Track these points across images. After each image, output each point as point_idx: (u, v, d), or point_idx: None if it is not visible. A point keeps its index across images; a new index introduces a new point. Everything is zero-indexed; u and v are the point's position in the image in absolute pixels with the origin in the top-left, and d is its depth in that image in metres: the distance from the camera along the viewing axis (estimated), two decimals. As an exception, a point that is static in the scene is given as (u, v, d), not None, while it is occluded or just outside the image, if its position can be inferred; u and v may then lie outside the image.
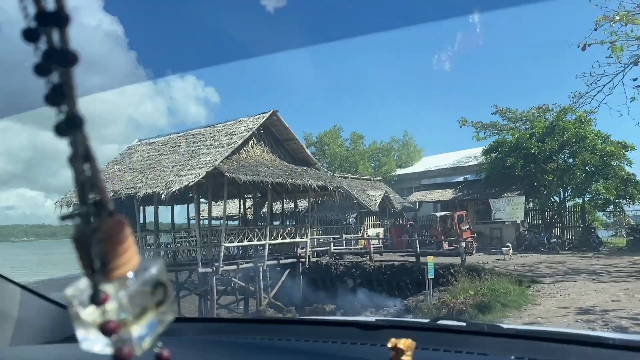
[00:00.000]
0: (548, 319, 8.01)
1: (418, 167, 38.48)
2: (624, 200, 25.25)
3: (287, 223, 24.54)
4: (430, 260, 11.86)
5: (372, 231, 28.58)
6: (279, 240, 18.41)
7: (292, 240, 18.98)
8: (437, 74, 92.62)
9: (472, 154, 33.74)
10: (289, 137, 19.31)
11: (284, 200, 23.02)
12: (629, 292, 10.46)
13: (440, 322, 1.89)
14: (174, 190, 15.49)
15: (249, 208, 24.81)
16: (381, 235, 28.36)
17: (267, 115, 18.10)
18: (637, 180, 24.49)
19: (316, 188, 18.32)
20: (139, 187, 17.03)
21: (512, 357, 1.50)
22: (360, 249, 23.93)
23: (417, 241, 18.66)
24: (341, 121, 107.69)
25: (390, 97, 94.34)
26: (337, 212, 28.54)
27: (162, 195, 15.86)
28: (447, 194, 28.72)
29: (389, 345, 1.02)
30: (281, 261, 18.87)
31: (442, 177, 32.21)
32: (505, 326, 1.78)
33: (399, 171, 38.79)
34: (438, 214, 25.30)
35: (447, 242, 23.99)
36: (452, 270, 16.23)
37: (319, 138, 42.02)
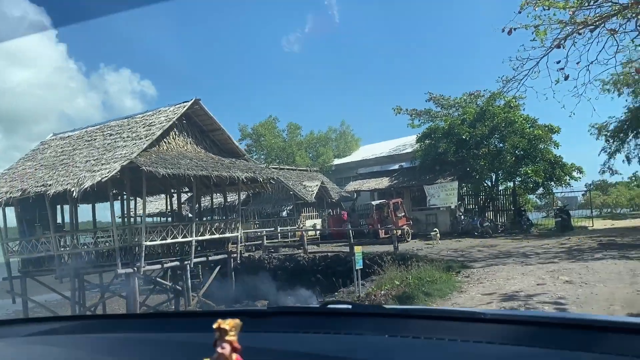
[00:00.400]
0: (471, 307, 7.66)
1: (356, 156, 38.28)
2: (552, 182, 25.91)
3: (223, 217, 23.55)
4: (358, 250, 11.35)
5: (309, 222, 28.04)
6: (207, 237, 17.44)
7: (221, 235, 18.06)
8: (373, 62, 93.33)
9: (408, 142, 33.84)
10: (214, 127, 18.29)
11: (217, 195, 22.05)
12: (554, 273, 10.38)
13: (329, 306, 1.92)
14: (86, 186, 14.24)
15: (183, 203, 23.64)
16: (319, 226, 27.89)
17: (188, 104, 17.02)
18: (563, 162, 25.16)
19: (245, 180, 17.48)
20: (50, 185, 15.63)
21: (386, 335, 1.55)
22: (296, 241, 23.35)
23: (352, 231, 18.22)
24: (278, 112, 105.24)
25: (328, 87, 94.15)
26: (274, 204, 27.84)
27: (74, 193, 14.56)
28: (384, 182, 28.62)
29: (214, 326, 1.03)
30: (211, 258, 17.96)
31: (379, 165, 32.13)
32: (387, 307, 1.86)
33: (336, 161, 38.44)
34: (374, 203, 25.09)
35: (383, 230, 23.82)
36: (385, 259, 15.93)
37: (255, 129, 40.96)
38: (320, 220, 28.92)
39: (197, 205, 19.83)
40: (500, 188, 28.35)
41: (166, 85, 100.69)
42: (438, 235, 21.09)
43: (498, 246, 18.61)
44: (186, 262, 16.68)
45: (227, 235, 18.30)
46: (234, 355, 1.04)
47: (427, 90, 34.79)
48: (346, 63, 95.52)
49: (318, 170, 33.31)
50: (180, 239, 16.36)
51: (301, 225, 27.34)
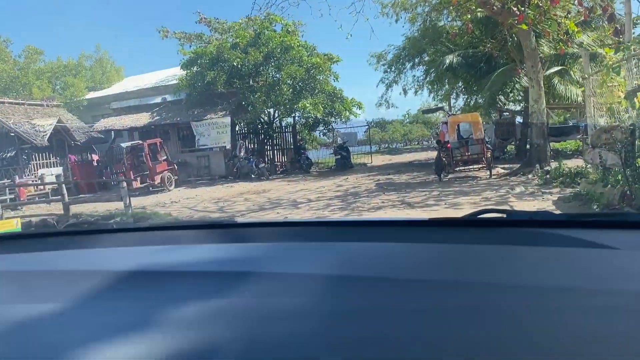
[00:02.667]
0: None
1: (115, 89, 31.61)
2: (332, 118, 24.01)
3: None
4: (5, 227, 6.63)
5: (45, 172, 21.61)
6: None
7: None
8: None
9: (178, 72, 28.72)
10: None
11: None
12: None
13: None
14: None
15: None
16: (60, 177, 21.69)
17: None
18: (343, 96, 23.19)
19: None
20: None
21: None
22: (12, 199, 17.30)
23: (65, 186, 13.17)
24: (10, 32, 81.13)
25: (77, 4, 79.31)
26: (-13, 150, 20.67)
27: None
28: (143, 119, 23.46)
29: None
30: None
31: (142, 99, 26.57)
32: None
33: (91, 94, 31.30)
34: (124, 145, 19.94)
35: (139, 179, 19.25)
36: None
37: (-28, 52, 31.09)
38: (62, 168, 22.61)
39: None
40: (283, 125, 25.51)
41: None
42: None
43: (271, 191, 15.65)
44: None
45: None
46: None
47: (198, 10, 29.30)
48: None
49: (61, 105, 26.16)
50: None
51: (35, 178, 20.94)
